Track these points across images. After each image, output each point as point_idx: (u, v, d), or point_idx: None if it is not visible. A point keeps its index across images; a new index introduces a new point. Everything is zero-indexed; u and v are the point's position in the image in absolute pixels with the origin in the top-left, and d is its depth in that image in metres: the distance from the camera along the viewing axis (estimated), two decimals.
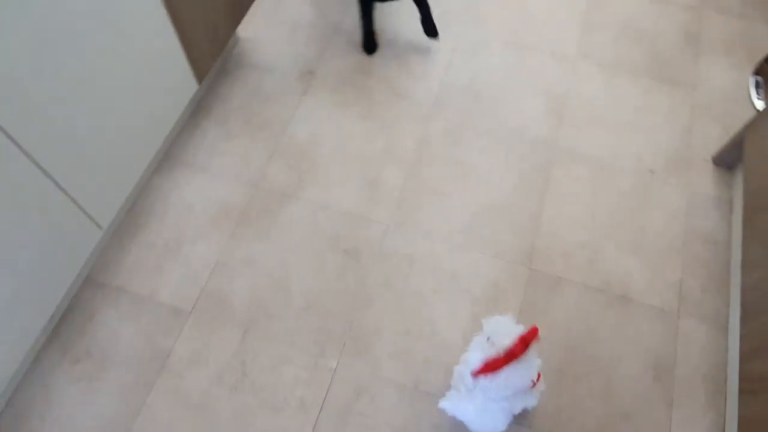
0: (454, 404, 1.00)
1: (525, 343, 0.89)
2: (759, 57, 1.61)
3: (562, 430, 1.10)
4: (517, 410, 0.99)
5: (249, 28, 1.63)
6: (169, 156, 1.40)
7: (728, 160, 1.41)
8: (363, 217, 1.33)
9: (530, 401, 1.02)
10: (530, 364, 0.91)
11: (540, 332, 0.90)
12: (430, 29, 1.57)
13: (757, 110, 1.49)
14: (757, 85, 1.55)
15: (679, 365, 1.18)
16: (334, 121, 1.47)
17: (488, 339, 0.92)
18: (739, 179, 1.38)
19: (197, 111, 1.47)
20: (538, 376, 0.99)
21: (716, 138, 1.47)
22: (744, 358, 1.04)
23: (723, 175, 1.42)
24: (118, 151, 1.13)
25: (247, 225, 1.32)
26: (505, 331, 0.92)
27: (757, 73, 1.58)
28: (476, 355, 0.92)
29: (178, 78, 1.26)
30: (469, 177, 1.39)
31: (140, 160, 1.23)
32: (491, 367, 0.90)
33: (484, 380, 0.91)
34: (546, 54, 1.61)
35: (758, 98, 1.52)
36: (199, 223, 1.31)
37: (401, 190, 1.37)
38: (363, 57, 1.59)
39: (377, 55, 1.59)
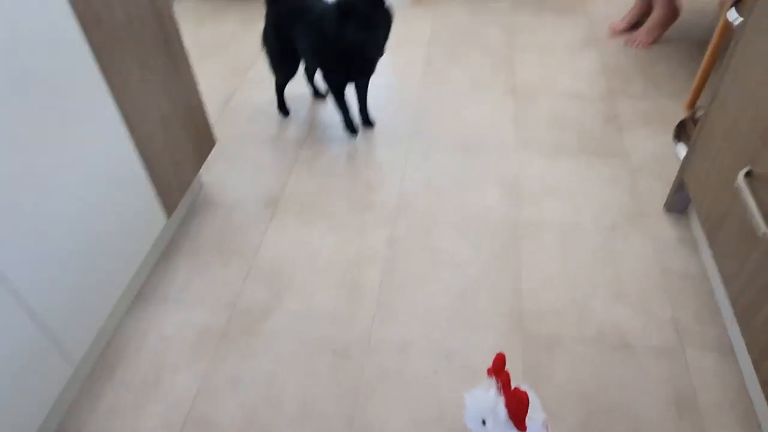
0: None
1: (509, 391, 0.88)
2: (672, 124, 1.80)
3: None
4: None
5: (213, 173, 1.73)
6: (142, 294, 1.38)
7: (678, 204, 1.50)
8: (347, 318, 1.30)
9: None
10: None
11: (549, 393, 0.89)
12: (366, 119, 1.77)
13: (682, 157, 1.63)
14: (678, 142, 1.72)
15: (699, 396, 1.12)
16: (304, 238, 1.51)
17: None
18: (693, 216, 1.45)
19: (168, 250, 1.49)
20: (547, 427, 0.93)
21: (660, 190, 1.57)
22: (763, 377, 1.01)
23: (678, 218, 1.50)
24: (90, 284, 1.12)
25: (229, 345, 1.26)
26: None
27: (676, 137, 1.76)
28: None
29: (147, 210, 1.30)
30: (444, 263, 1.42)
31: (112, 296, 1.21)
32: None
33: None
34: (489, 151, 1.75)
35: (681, 151, 1.67)
36: (177, 353, 1.26)
37: (380, 286, 1.37)
38: (323, 180, 1.69)
39: (335, 177, 1.70)
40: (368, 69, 1.67)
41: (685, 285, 1.33)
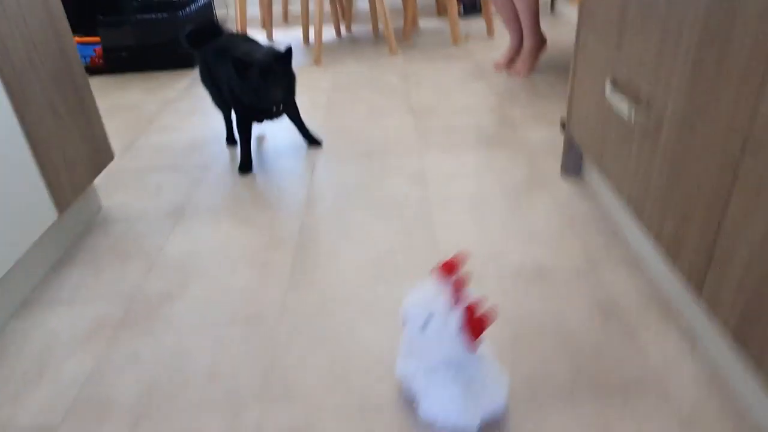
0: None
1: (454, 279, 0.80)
2: (558, 121, 1.96)
3: (538, 394, 0.93)
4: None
5: (113, 198, 1.66)
6: (28, 302, 1.24)
7: (573, 167, 1.59)
8: (258, 291, 1.23)
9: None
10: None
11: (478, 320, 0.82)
12: (311, 139, 1.81)
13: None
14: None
15: (619, 301, 1.12)
16: (212, 235, 1.45)
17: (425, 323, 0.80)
18: (589, 177, 1.54)
19: (61, 261, 1.37)
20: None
21: (556, 164, 1.67)
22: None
23: (575, 180, 1.58)
24: None
25: (127, 331, 1.14)
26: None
27: (562, 126, 1.91)
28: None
29: (35, 196, 1.21)
30: (358, 238, 1.39)
31: None
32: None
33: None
34: (394, 154, 1.81)
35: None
36: (67, 344, 1.11)
37: (292, 261, 1.32)
38: (230, 188, 1.66)
39: (242, 187, 1.68)
40: (273, 115, 1.74)
41: (591, 225, 1.38)
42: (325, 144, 1.91)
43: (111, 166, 1.86)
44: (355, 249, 1.35)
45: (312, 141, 1.86)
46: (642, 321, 1.07)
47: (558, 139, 1.83)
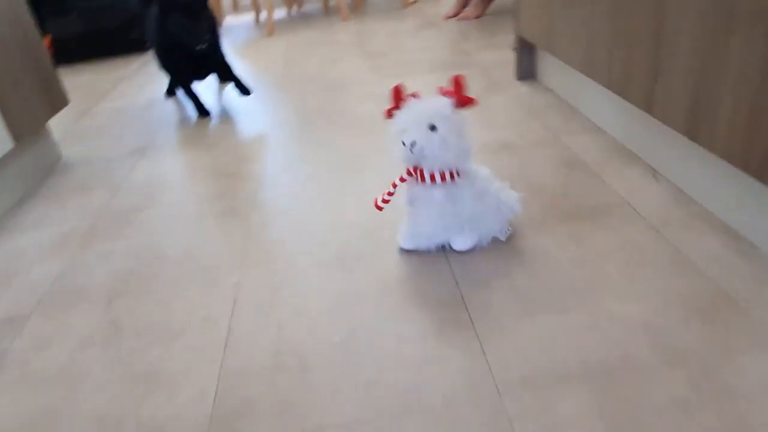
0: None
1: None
2: (507, 47, 2.01)
3: (514, 227, 0.95)
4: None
5: (74, 148, 1.63)
6: None
7: (526, 71, 1.64)
8: (229, 193, 1.22)
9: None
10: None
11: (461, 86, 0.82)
12: (244, 89, 1.76)
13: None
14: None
15: (583, 157, 1.15)
16: (177, 159, 1.44)
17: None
18: (541, 78, 1.59)
19: (25, 197, 1.34)
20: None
21: (509, 74, 1.71)
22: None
23: (531, 83, 1.62)
24: None
25: (97, 237, 1.12)
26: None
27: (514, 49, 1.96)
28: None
29: None
30: (325, 144, 1.40)
31: None
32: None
33: None
34: (352, 86, 1.83)
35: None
36: (36, 255, 1.09)
37: (263, 169, 1.31)
38: (192, 129, 1.65)
39: (207, 129, 1.67)
40: (201, 67, 1.74)
41: (548, 110, 1.41)
42: (285, 87, 1.92)
43: (69, 125, 1.83)
44: (323, 154, 1.35)
45: (245, 91, 1.79)
46: (605, 167, 1.10)
47: (510, 58, 1.88)
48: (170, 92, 2.03)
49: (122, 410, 0.69)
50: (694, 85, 0.83)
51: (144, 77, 2.38)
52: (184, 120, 1.75)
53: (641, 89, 0.97)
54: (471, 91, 0.84)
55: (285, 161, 1.34)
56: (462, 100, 0.81)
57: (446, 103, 0.80)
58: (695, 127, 0.84)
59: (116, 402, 0.71)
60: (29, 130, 1.34)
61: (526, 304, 0.77)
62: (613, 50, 1.05)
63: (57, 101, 1.50)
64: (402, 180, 0.86)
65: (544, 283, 0.81)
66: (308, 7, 3.62)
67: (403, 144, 0.79)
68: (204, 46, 1.65)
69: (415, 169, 0.84)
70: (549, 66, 1.54)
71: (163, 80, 2.24)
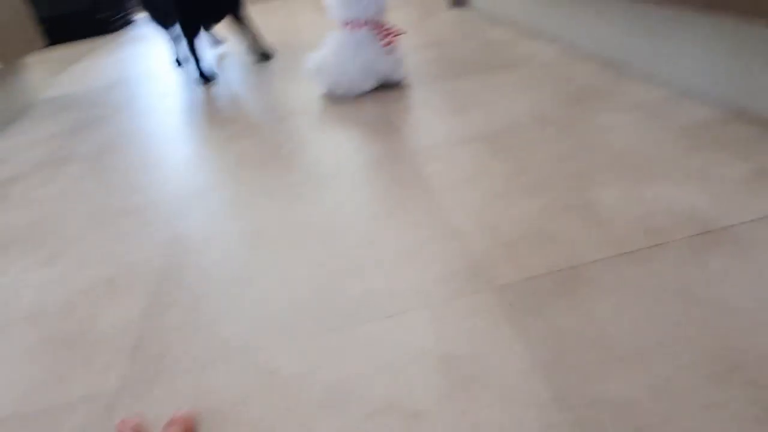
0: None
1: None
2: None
3: (431, 77, 1.14)
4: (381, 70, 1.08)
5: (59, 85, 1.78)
6: None
7: (457, 1, 1.85)
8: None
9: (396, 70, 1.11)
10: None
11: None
12: (262, 53, 1.70)
13: None
14: None
15: (496, 39, 1.35)
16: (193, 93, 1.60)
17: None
18: (473, 3, 1.80)
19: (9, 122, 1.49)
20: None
21: (442, 4, 1.92)
22: None
23: (461, 9, 1.83)
24: None
25: (87, 129, 1.28)
26: None
27: None
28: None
29: None
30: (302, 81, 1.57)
31: None
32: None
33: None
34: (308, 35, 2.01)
35: None
36: (27, 145, 1.24)
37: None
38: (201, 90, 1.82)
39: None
40: (214, 12, 1.65)
41: (474, 21, 1.62)
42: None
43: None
44: (301, 88, 1.53)
45: (262, 54, 1.70)
46: (513, 43, 1.31)
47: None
48: (179, 61, 1.84)
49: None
50: None
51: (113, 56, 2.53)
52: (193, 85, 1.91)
53: None
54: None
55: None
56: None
57: None
58: None
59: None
60: (12, 54, 1.49)
61: (441, 110, 0.96)
62: None
63: (33, 40, 1.65)
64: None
65: (454, 101, 1.00)
66: None
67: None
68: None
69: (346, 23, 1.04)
70: None
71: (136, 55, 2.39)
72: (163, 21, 1.73)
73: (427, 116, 0.96)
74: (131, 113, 1.33)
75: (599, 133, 0.78)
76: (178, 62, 1.79)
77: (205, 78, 1.59)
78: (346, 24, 1.06)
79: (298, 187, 0.79)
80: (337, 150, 0.89)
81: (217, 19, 1.66)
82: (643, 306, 0.46)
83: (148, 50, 2.20)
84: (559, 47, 1.21)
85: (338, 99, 1.12)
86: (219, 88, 1.43)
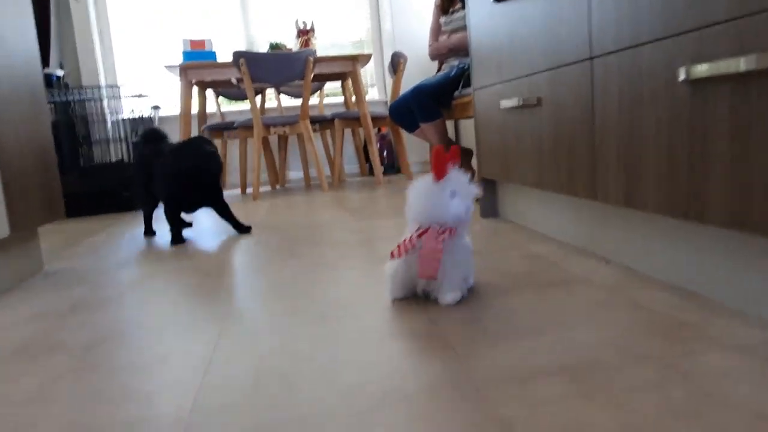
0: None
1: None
2: None
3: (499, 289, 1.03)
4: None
5: (59, 263, 1.68)
6: None
7: (489, 210, 1.84)
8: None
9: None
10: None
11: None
12: (242, 227, 1.99)
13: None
14: None
15: (542, 254, 1.27)
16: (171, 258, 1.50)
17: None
18: (503, 212, 1.78)
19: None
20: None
21: (475, 214, 1.91)
22: None
23: (493, 219, 1.81)
24: None
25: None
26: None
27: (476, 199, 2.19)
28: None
29: None
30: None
31: None
32: None
33: None
34: (335, 228, 1.99)
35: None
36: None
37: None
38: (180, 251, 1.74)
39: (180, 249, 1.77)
40: (202, 196, 1.93)
41: (511, 231, 1.57)
42: (268, 227, 2.07)
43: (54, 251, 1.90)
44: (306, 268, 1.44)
45: (243, 229, 1.97)
46: (562, 259, 1.22)
47: (475, 207, 2.10)
48: (149, 232, 2.11)
49: None
50: (626, 165, 1.01)
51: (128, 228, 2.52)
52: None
53: (583, 187, 1.15)
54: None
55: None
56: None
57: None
58: (632, 199, 1.00)
59: None
60: (27, 223, 1.42)
61: (500, 333, 0.83)
62: (557, 161, 1.25)
63: (56, 208, 1.60)
64: (420, 235, 0.96)
65: (511, 322, 0.87)
66: (291, 183, 3.99)
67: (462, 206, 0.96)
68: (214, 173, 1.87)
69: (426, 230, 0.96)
70: (508, 202, 1.74)
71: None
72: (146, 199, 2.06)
73: (485, 336, 0.82)
74: (139, 295, 1.20)
75: (713, 379, 0.64)
76: (178, 239, 1.90)
77: (178, 240, 1.87)
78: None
79: (329, 418, 0.62)
80: (381, 367, 0.74)
81: (200, 207, 1.95)
82: None
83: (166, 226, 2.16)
84: (617, 268, 1.12)
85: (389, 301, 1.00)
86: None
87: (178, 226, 1.90)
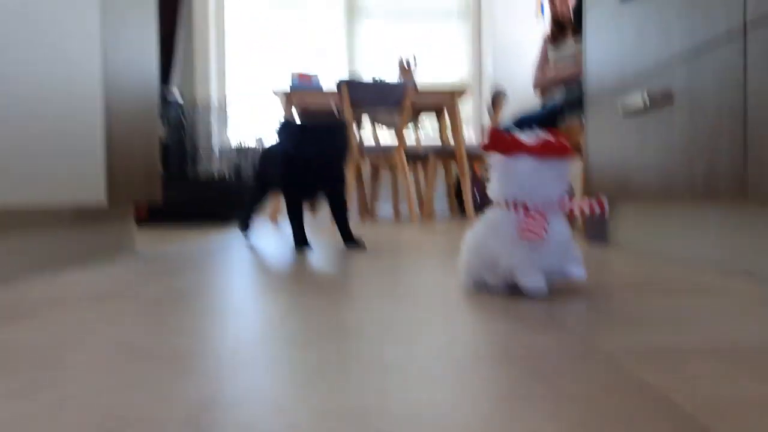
0: None
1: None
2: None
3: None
4: None
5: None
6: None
7: (598, 234, 1.65)
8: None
9: None
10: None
11: None
12: (352, 239, 1.66)
13: None
14: None
15: (673, 283, 1.08)
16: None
17: None
18: (615, 235, 1.59)
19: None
20: None
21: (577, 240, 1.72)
22: None
23: (602, 246, 1.62)
24: None
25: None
26: None
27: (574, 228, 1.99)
28: None
29: (91, 169, 1.28)
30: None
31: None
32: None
33: None
34: (421, 250, 1.87)
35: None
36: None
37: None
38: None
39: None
40: (320, 178, 1.62)
41: (626, 258, 1.38)
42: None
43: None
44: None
45: (352, 243, 1.66)
46: (699, 276, 1.03)
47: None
48: (245, 225, 1.95)
49: None
50: None
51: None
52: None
53: (728, 185, 0.97)
54: None
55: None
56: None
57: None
58: None
59: None
60: (124, 197, 1.42)
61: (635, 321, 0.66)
62: (695, 155, 1.07)
63: (153, 187, 1.61)
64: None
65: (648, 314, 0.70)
66: (380, 216, 3.94)
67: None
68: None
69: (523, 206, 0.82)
70: (622, 225, 1.55)
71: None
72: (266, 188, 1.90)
73: (615, 322, 0.66)
74: (223, 274, 1.14)
75: None
76: (301, 242, 1.61)
77: (303, 242, 1.58)
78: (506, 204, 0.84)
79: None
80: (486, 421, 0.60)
81: (318, 193, 1.65)
82: None
83: (267, 242, 2.14)
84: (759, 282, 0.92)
85: (482, 295, 0.86)
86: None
87: (301, 223, 1.57)
